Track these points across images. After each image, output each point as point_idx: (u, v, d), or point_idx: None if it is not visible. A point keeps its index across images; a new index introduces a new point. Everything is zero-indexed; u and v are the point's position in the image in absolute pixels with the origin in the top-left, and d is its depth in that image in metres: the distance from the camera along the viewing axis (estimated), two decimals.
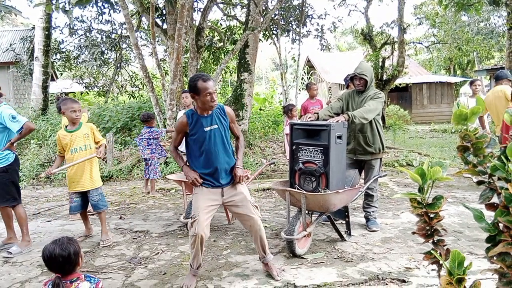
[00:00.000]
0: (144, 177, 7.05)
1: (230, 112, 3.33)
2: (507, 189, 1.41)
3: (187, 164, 3.32)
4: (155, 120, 7.09)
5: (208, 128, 3.16)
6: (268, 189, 6.75)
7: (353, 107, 4.36)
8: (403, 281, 3.20)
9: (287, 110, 7.04)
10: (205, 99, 3.07)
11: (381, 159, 4.53)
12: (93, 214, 4.96)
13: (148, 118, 6.89)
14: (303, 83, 21.84)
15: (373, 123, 4.31)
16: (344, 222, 4.34)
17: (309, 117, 4.14)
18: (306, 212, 3.79)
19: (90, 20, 13.48)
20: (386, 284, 3.17)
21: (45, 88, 11.56)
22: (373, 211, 4.57)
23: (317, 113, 4.28)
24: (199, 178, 3.17)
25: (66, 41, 14.08)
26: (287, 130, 6.88)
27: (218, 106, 3.24)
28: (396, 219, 4.91)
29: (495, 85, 6.31)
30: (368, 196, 4.54)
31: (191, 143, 3.23)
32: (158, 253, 4.04)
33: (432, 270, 3.33)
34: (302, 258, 3.74)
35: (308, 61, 25.19)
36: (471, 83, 7.34)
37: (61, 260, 2.06)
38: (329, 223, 4.40)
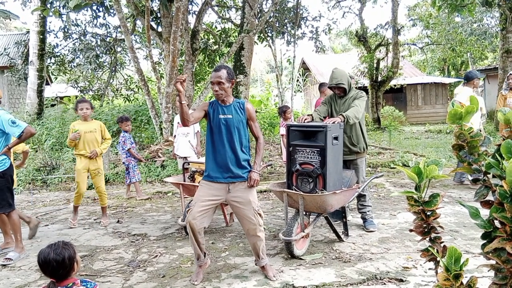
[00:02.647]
0: (125, 183, 7.04)
1: (249, 108, 3.40)
2: (501, 186, 1.43)
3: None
4: (126, 123, 6.84)
5: (222, 116, 3.29)
6: (265, 191, 6.77)
7: (335, 109, 4.47)
8: (401, 280, 3.23)
9: (281, 111, 7.12)
10: (211, 87, 3.31)
11: (365, 158, 4.61)
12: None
13: (118, 120, 6.89)
14: (298, 85, 21.91)
15: (356, 123, 4.37)
16: (341, 222, 4.37)
17: (305, 119, 4.18)
18: (304, 213, 3.82)
19: (85, 24, 13.48)
20: (384, 284, 3.19)
21: (40, 92, 11.55)
22: (368, 211, 4.60)
23: (311, 115, 4.33)
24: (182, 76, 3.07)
25: (60, 45, 14.06)
26: (282, 131, 6.96)
27: (238, 101, 3.40)
28: (393, 219, 4.94)
29: (465, 86, 6.52)
30: (360, 197, 4.57)
31: (207, 129, 3.35)
32: (156, 256, 4.04)
33: (430, 269, 3.35)
34: (300, 259, 3.75)
35: (303, 63, 25.26)
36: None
37: (55, 265, 2.03)
38: (338, 221, 4.44)
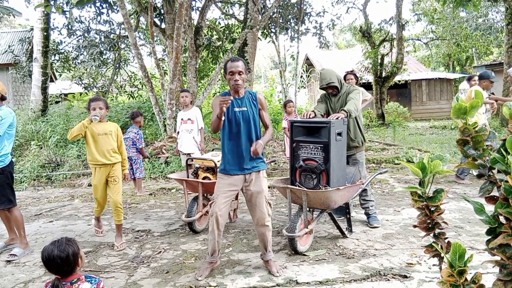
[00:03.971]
0: (130, 178, 7.02)
1: (261, 98, 3.44)
2: (506, 181, 1.42)
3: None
4: (141, 118, 7.01)
5: (237, 109, 3.31)
6: (269, 187, 6.73)
7: (331, 107, 4.48)
8: (405, 276, 3.22)
9: (283, 105, 7.20)
10: (229, 77, 3.30)
11: (364, 152, 4.63)
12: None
13: (133, 116, 6.94)
14: (302, 81, 21.84)
15: (352, 118, 4.37)
16: (345, 218, 4.35)
17: (310, 114, 4.16)
18: (308, 209, 3.81)
19: (89, 21, 13.47)
20: (388, 280, 3.19)
21: (44, 89, 11.55)
22: (371, 206, 4.59)
23: (314, 111, 4.32)
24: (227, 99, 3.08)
25: (64, 42, 14.05)
26: (284, 124, 7.00)
27: (250, 92, 3.42)
28: (397, 215, 4.93)
29: (477, 84, 6.78)
30: (362, 191, 4.55)
31: (223, 123, 3.34)
32: (160, 252, 4.05)
33: (434, 265, 3.34)
34: (304, 255, 3.75)
35: (307, 59, 25.14)
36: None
37: (60, 261, 2.04)
38: (342, 218, 4.43)
